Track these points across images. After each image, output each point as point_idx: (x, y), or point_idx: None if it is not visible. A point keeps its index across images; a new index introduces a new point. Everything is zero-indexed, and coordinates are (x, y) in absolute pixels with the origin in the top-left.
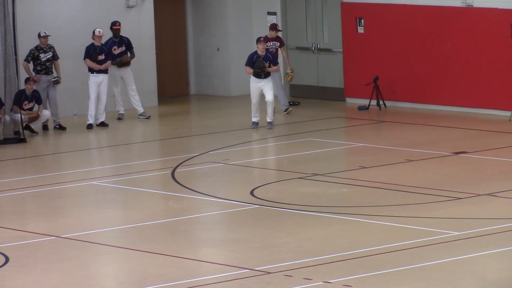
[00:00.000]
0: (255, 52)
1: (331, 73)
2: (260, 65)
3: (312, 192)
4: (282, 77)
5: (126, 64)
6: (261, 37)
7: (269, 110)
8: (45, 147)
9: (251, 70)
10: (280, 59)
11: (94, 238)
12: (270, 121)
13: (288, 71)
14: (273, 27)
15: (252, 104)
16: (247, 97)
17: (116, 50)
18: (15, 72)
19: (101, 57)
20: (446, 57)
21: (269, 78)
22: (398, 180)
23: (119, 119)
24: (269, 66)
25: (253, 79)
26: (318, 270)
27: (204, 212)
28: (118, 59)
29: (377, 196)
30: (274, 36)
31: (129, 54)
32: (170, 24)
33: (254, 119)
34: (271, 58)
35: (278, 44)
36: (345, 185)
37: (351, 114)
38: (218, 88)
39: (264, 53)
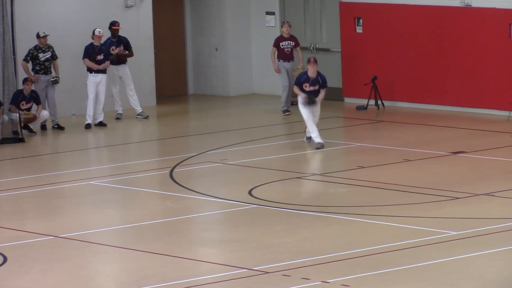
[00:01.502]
0: (305, 73)
1: (329, 73)
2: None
3: (310, 192)
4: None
5: (122, 57)
6: (311, 57)
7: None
8: (44, 147)
9: (300, 92)
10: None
11: (92, 238)
12: (320, 141)
13: (299, 67)
14: (282, 24)
15: (305, 120)
16: (245, 97)
17: (114, 50)
18: (14, 71)
19: (100, 57)
20: (445, 57)
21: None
22: (396, 180)
23: (118, 119)
24: (318, 90)
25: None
26: (316, 270)
27: (202, 212)
28: (114, 53)
29: (375, 196)
30: (288, 34)
31: (127, 53)
32: (169, 24)
33: (308, 134)
34: (320, 81)
35: (293, 43)
36: (344, 185)
37: (350, 114)
38: (217, 88)
39: (315, 75)
